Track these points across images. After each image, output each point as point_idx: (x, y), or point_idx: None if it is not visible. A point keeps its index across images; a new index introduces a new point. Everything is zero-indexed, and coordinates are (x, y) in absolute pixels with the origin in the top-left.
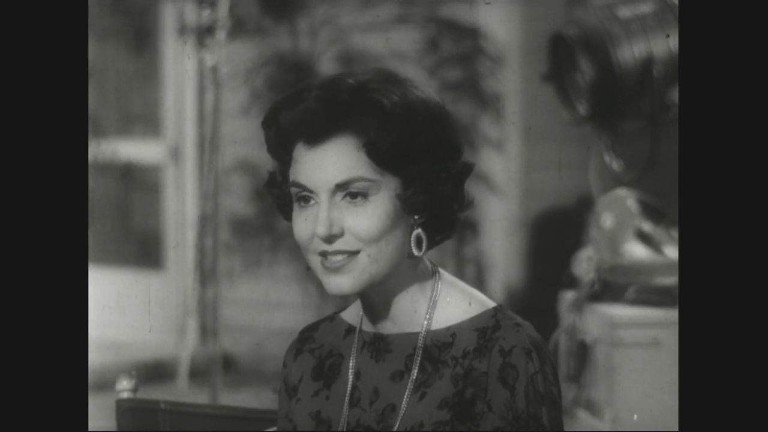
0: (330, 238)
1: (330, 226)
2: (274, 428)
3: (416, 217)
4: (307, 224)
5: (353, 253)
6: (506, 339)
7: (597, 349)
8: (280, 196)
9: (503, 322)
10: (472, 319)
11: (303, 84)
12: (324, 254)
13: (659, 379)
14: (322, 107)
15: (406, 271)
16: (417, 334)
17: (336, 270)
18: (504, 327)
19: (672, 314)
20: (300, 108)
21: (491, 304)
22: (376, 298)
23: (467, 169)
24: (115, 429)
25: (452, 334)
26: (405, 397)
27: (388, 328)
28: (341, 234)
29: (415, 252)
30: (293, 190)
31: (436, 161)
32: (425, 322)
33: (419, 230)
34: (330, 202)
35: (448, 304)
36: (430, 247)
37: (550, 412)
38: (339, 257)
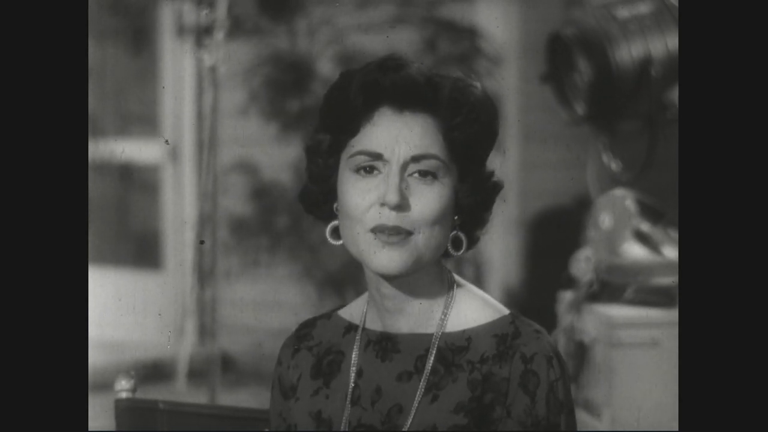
0: (398, 208)
1: (401, 196)
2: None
3: (456, 217)
4: (366, 194)
5: (408, 234)
6: (528, 346)
7: (595, 349)
8: (322, 166)
9: (523, 328)
10: (488, 325)
11: (386, 56)
12: (377, 230)
13: (657, 379)
14: (422, 78)
15: (431, 272)
16: (430, 335)
17: (392, 244)
18: (524, 334)
19: (670, 314)
20: (402, 73)
21: (506, 310)
22: (399, 293)
23: (500, 186)
24: (113, 429)
25: (468, 338)
26: (417, 397)
27: (399, 327)
28: (407, 208)
29: (453, 252)
30: (358, 158)
31: (486, 167)
32: (440, 324)
33: (457, 231)
34: (401, 174)
35: (463, 307)
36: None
37: (568, 420)
38: (393, 234)
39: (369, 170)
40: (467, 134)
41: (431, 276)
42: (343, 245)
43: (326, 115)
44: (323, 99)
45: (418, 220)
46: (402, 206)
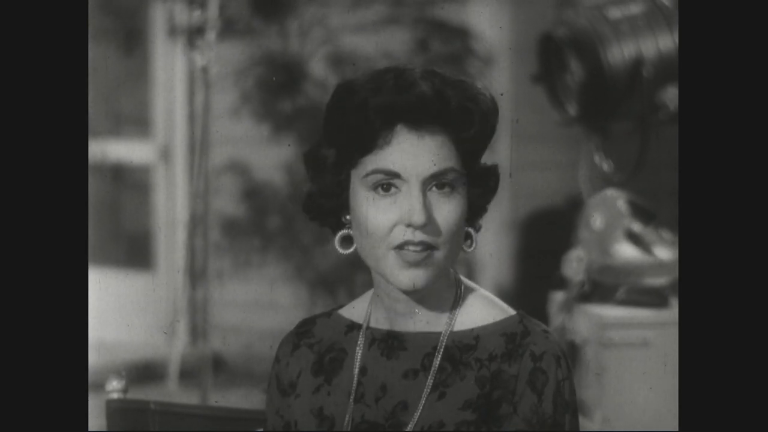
0: (423, 227)
1: (427, 215)
2: (262, 429)
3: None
4: (387, 213)
5: (432, 248)
6: (537, 344)
7: (586, 349)
8: (331, 182)
9: (532, 328)
10: (496, 324)
11: (390, 68)
12: (403, 246)
13: (648, 380)
14: (432, 92)
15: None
16: (437, 333)
17: (416, 264)
18: (534, 333)
19: (661, 315)
20: (416, 92)
21: (512, 310)
22: (412, 298)
23: (499, 173)
24: (105, 429)
25: (476, 336)
26: (423, 395)
27: (406, 326)
28: (432, 225)
29: (466, 249)
30: (375, 177)
31: (488, 162)
32: (448, 323)
33: (469, 228)
34: (422, 191)
35: (471, 306)
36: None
37: (572, 420)
38: (419, 250)
39: (386, 188)
40: (483, 141)
41: (442, 278)
42: (340, 251)
43: (336, 133)
44: (329, 115)
45: (441, 234)
46: (427, 224)
